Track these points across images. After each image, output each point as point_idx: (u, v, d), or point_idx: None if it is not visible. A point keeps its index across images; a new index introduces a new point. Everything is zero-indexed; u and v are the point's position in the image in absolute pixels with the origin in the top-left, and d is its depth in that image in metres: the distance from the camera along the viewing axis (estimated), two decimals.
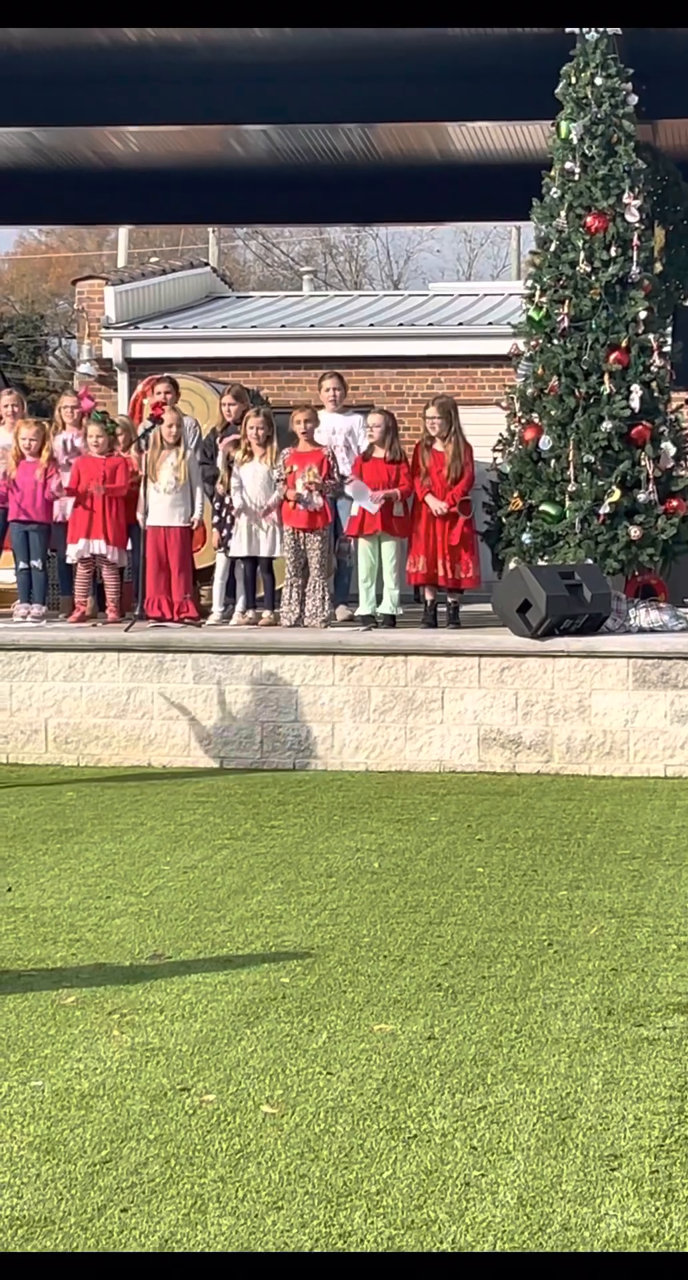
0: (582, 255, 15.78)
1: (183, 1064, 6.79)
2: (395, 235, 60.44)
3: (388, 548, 15.89)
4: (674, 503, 15.75)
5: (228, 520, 16.40)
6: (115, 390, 27.49)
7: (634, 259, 15.87)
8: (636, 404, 15.60)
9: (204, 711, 15.03)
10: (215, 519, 16.59)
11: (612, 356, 15.65)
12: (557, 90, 16.06)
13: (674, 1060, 6.80)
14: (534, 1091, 6.46)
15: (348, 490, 15.94)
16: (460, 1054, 6.89)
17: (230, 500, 16.28)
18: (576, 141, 15.93)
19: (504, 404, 16.36)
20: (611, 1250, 5.08)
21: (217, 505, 16.48)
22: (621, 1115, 6.20)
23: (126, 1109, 6.29)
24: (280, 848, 11.23)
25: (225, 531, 16.42)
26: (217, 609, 16.48)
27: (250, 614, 16.32)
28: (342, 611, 16.37)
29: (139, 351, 27.74)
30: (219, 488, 16.36)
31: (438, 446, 15.83)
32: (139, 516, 16.16)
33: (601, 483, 15.51)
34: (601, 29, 15.88)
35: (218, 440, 16.90)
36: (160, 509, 16.17)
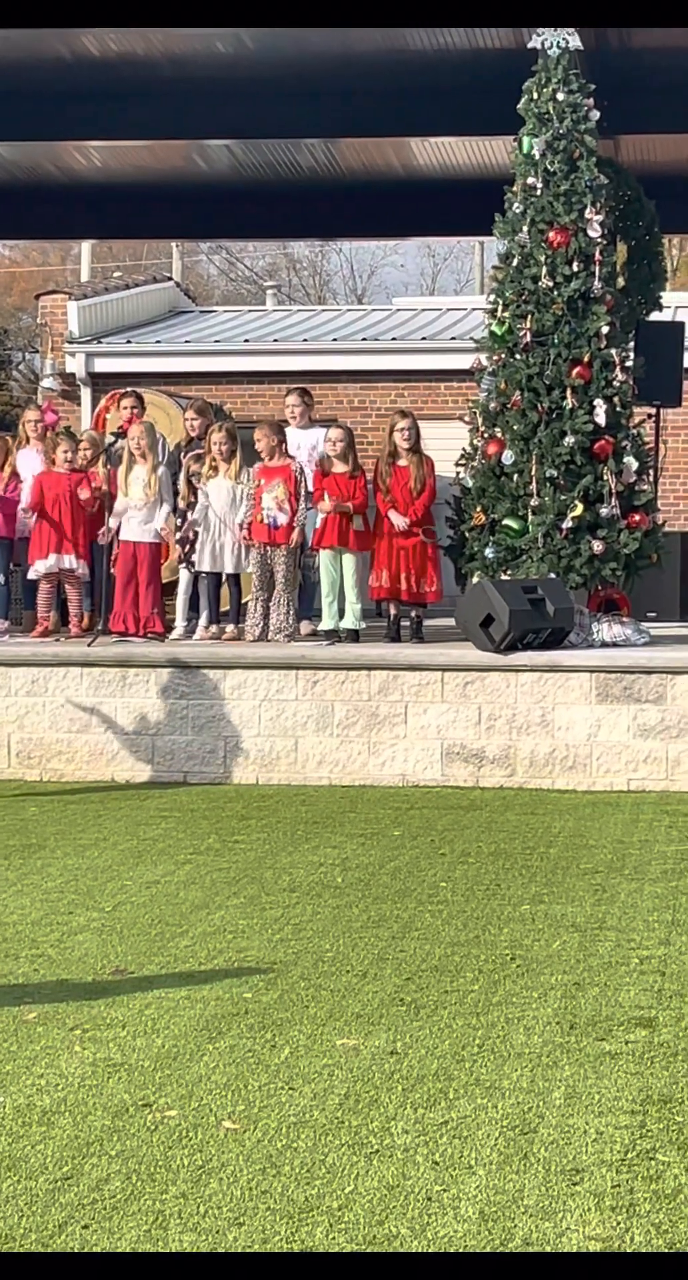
0: (544, 270, 15.80)
1: (145, 1079, 6.78)
2: (359, 250, 60.52)
3: (349, 562, 15.89)
4: (637, 517, 15.78)
5: (190, 535, 16.39)
6: (79, 405, 27.49)
7: (597, 274, 15.89)
8: (599, 419, 15.62)
9: (167, 726, 15.00)
10: (178, 535, 16.57)
11: (574, 371, 15.68)
12: (519, 105, 16.07)
13: (636, 1074, 6.80)
14: (496, 1106, 6.45)
15: (319, 509, 15.95)
16: (423, 1069, 6.89)
17: (194, 516, 16.27)
18: (538, 157, 15.95)
19: (467, 419, 16.38)
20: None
21: (180, 520, 16.46)
22: (582, 1130, 6.20)
23: (88, 1125, 6.28)
24: (243, 862, 11.22)
25: (188, 547, 16.41)
26: (180, 624, 16.47)
27: (214, 629, 16.32)
28: (305, 626, 16.38)
29: (102, 366, 27.75)
30: (180, 502, 16.35)
31: (401, 461, 15.84)
32: (104, 528, 16.14)
33: (563, 497, 15.53)
34: (563, 45, 15.90)
35: (182, 455, 16.90)
36: (131, 523, 16.17)
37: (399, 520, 15.69)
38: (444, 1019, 7.59)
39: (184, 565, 16.54)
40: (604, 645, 15.30)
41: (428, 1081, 6.74)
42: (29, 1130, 6.23)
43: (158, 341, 28.45)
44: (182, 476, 16.50)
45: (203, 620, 16.38)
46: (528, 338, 15.78)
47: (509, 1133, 6.18)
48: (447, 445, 17.37)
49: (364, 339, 28.07)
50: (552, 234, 15.83)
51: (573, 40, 15.93)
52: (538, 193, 15.94)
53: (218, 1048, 7.17)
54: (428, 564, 15.85)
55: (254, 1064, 6.97)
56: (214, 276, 60.35)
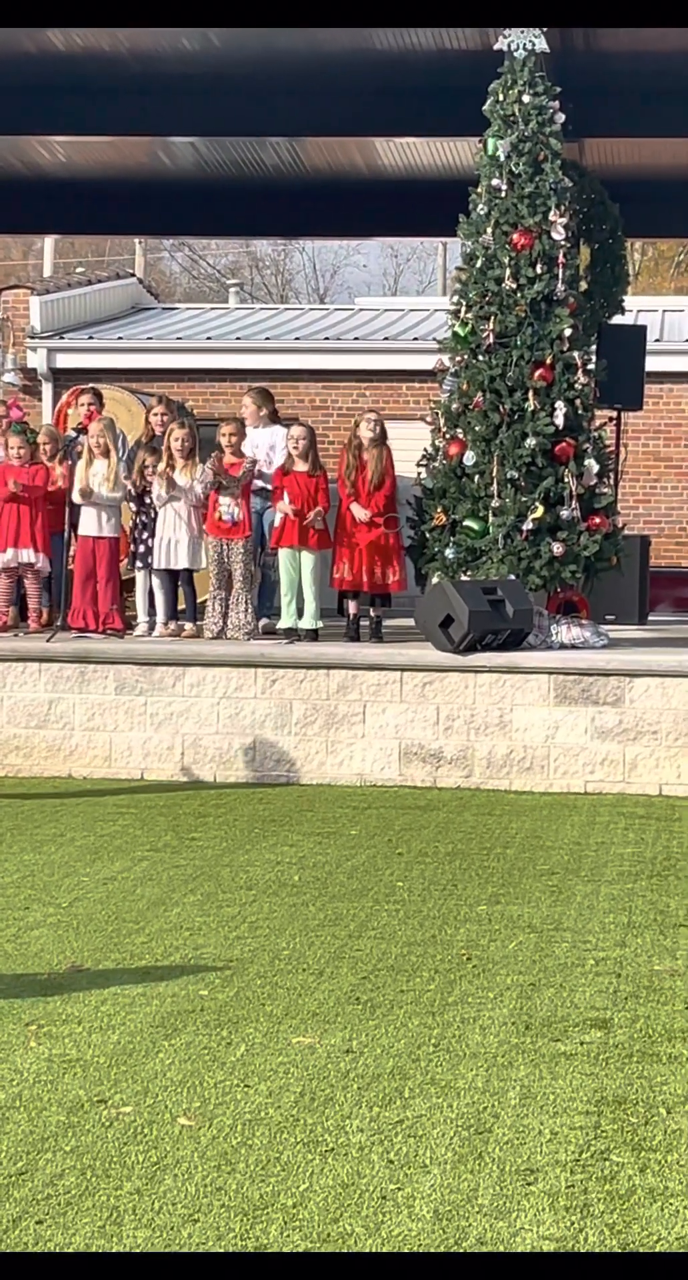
0: (508, 272, 15.82)
1: (100, 1076, 6.77)
2: (322, 249, 60.54)
3: (307, 561, 15.89)
4: (597, 520, 15.81)
5: (144, 536, 16.37)
6: (40, 400, 27.44)
7: (560, 276, 15.91)
8: (560, 421, 15.64)
9: (125, 723, 14.98)
10: (133, 533, 16.55)
11: (536, 373, 15.69)
12: (484, 107, 16.08)
13: (591, 1075, 6.82)
14: (451, 1105, 6.46)
15: (278, 509, 15.96)
16: (378, 1067, 6.90)
17: (153, 514, 16.26)
18: (502, 159, 15.96)
19: (429, 419, 16.39)
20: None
21: (139, 519, 16.43)
22: (537, 1130, 6.21)
23: (43, 1120, 6.27)
24: (201, 860, 11.21)
25: (142, 547, 16.39)
26: (142, 620, 16.45)
27: (173, 625, 16.31)
28: (265, 624, 16.38)
29: (64, 361, 27.72)
30: (130, 490, 16.30)
31: (365, 455, 15.88)
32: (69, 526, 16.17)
33: (524, 499, 15.55)
34: (529, 48, 15.91)
35: (138, 449, 16.92)
36: (90, 519, 16.14)
37: (361, 513, 15.71)
38: (400, 1018, 7.60)
39: (140, 569, 16.50)
40: (563, 647, 15.33)
41: (383, 1080, 6.74)
42: None
43: (120, 338, 28.43)
44: (135, 468, 16.49)
45: (161, 617, 16.36)
46: (491, 339, 15.79)
47: (464, 1132, 6.18)
48: (408, 445, 17.38)
49: (327, 338, 28.09)
50: (516, 236, 15.84)
51: (539, 43, 15.95)
52: (502, 195, 15.96)
53: (173, 1045, 7.16)
54: (391, 554, 15.90)
55: (210, 1061, 6.96)
56: (177, 274, 60.36)
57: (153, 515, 16.33)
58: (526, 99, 15.97)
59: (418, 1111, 6.40)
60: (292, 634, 15.79)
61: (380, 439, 15.95)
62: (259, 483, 16.37)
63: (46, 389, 27.58)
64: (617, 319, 19.57)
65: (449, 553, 15.75)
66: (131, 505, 16.46)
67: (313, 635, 15.81)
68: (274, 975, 8.32)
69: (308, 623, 15.85)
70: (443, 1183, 5.70)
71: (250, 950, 8.82)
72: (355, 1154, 5.97)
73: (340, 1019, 7.58)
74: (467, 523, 15.70)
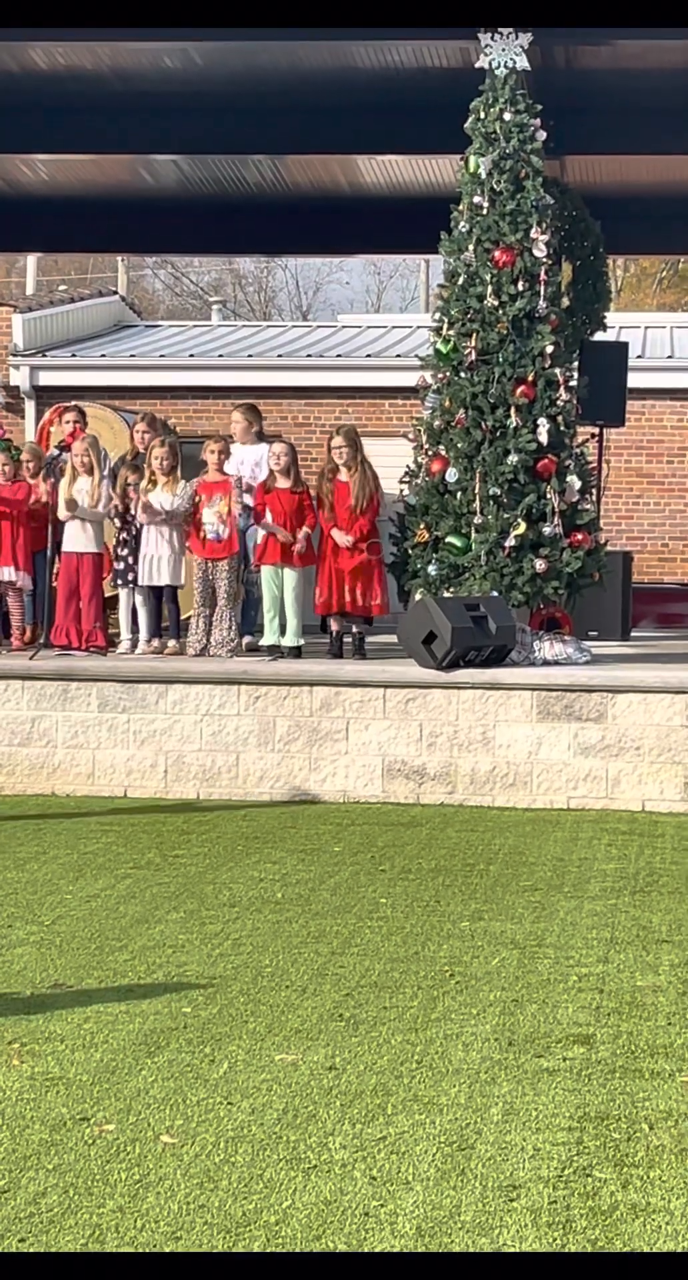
0: (489, 289, 15.83)
1: (83, 1093, 6.77)
2: (304, 267, 60.59)
3: (290, 578, 15.90)
4: (579, 536, 15.82)
5: (125, 554, 16.37)
6: (23, 418, 27.43)
7: (541, 293, 15.93)
8: (542, 438, 15.65)
9: (108, 740, 14.98)
10: (115, 550, 16.54)
11: (518, 390, 15.71)
12: (466, 125, 16.11)
13: (574, 1091, 6.82)
14: (434, 1122, 6.46)
15: (261, 526, 15.98)
16: (361, 1084, 6.90)
17: (135, 531, 16.27)
18: (484, 176, 15.99)
19: (411, 436, 16.40)
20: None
21: (120, 536, 16.43)
22: (520, 1146, 6.22)
23: (25, 1139, 6.26)
24: (183, 877, 11.21)
25: (123, 565, 16.39)
26: (125, 637, 16.45)
27: (156, 643, 16.31)
28: (248, 641, 16.38)
29: (47, 379, 27.72)
30: (111, 508, 16.31)
31: (342, 476, 15.87)
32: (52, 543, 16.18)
33: (506, 515, 15.56)
34: (510, 65, 15.94)
35: (121, 466, 16.93)
36: (73, 536, 16.15)
37: (342, 539, 15.71)
38: (383, 1035, 7.60)
39: (122, 586, 16.50)
40: (546, 664, 15.34)
41: (366, 1097, 6.74)
42: None
43: (103, 355, 28.44)
44: (118, 485, 16.49)
45: (144, 634, 16.36)
46: (473, 356, 15.81)
47: (447, 1148, 6.19)
48: (391, 462, 17.40)
49: (309, 355, 28.12)
50: (497, 253, 15.87)
51: (520, 61, 15.98)
52: (484, 212, 15.98)
53: (156, 1062, 7.16)
54: (373, 578, 15.88)
55: (193, 1078, 6.96)
56: (159, 291, 60.35)
57: (134, 533, 16.34)
58: (507, 116, 16.00)
59: (401, 1128, 6.40)
60: (275, 651, 15.79)
61: (356, 459, 15.91)
62: (247, 499, 16.37)
63: (29, 407, 27.58)
64: (599, 335, 19.62)
65: (432, 569, 15.76)
66: (115, 522, 16.46)
67: (296, 652, 15.81)
68: (257, 992, 8.32)
69: (291, 640, 15.85)
70: (426, 1199, 5.71)
71: (233, 967, 8.82)
72: (338, 1171, 5.97)
73: (323, 1036, 7.58)
74: (449, 539, 15.71)
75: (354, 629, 15.91)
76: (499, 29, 15.84)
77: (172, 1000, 8.15)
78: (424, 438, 16.13)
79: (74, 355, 28.39)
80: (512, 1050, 7.38)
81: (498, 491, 15.60)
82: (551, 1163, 6.05)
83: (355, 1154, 6.13)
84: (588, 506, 16.17)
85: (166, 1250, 5.27)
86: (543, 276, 15.96)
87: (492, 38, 15.94)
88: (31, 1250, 5.26)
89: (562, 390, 15.91)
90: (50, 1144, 6.20)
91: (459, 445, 15.73)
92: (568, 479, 15.80)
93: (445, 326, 16.08)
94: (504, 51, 16.00)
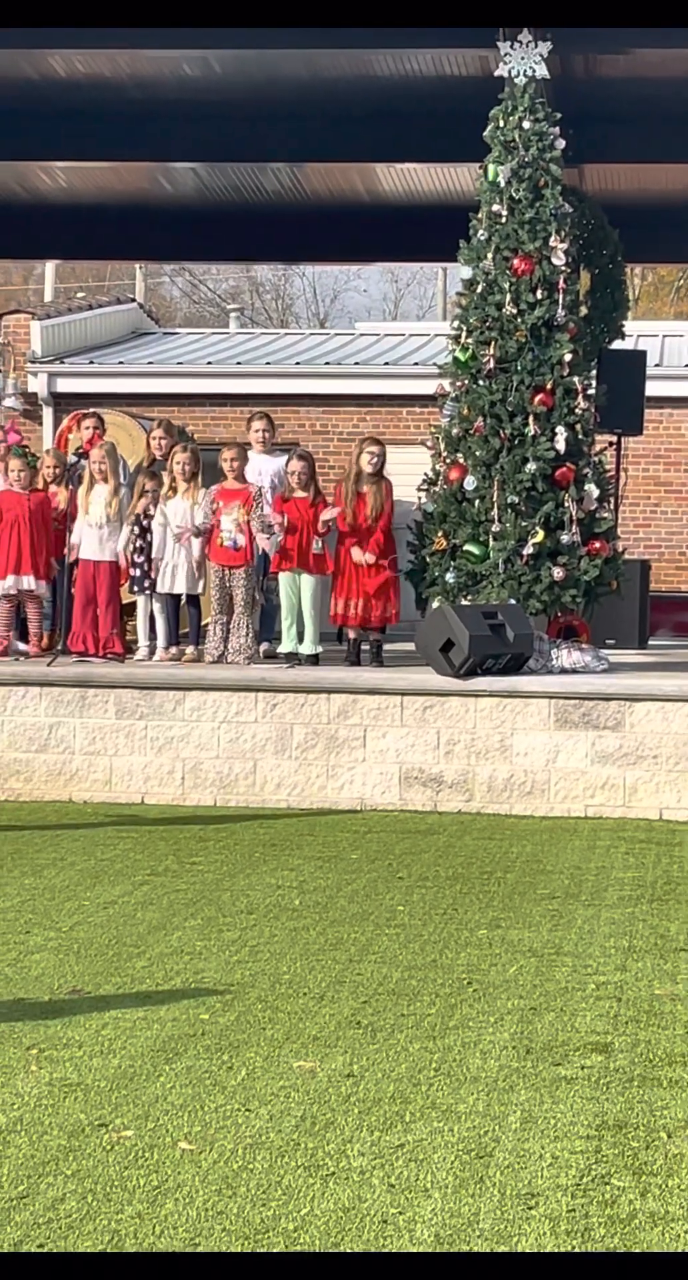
0: (508, 297, 15.84)
1: (101, 1100, 6.77)
2: (322, 274, 60.60)
3: (307, 585, 15.90)
4: (597, 544, 15.81)
5: (140, 561, 16.36)
6: (40, 425, 27.49)
7: (560, 302, 15.94)
8: (560, 446, 15.65)
9: (126, 747, 14.99)
10: (131, 557, 16.54)
11: (537, 398, 15.71)
12: (485, 133, 16.11)
13: (592, 1099, 6.82)
14: (452, 1129, 6.46)
15: (272, 535, 15.97)
16: (379, 1091, 6.89)
17: (151, 538, 16.28)
18: (503, 184, 15.99)
19: (429, 444, 16.40)
20: None
21: (137, 543, 16.43)
22: (538, 1154, 6.21)
23: (44, 1145, 6.26)
24: (201, 884, 11.21)
25: (139, 572, 16.39)
26: (143, 644, 16.46)
27: (174, 650, 16.32)
28: (265, 648, 16.39)
29: (65, 386, 27.77)
30: (129, 515, 16.32)
31: (364, 488, 15.85)
32: (71, 550, 16.19)
33: (524, 523, 15.56)
34: (529, 74, 15.95)
35: (139, 474, 16.94)
36: (91, 543, 16.18)
37: (362, 558, 15.69)
38: (401, 1042, 7.59)
39: (140, 593, 16.50)
40: (563, 672, 15.33)
41: (384, 1104, 6.74)
42: None
43: (120, 362, 28.49)
44: (135, 492, 16.51)
45: (162, 641, 16.38)
46: (491, 364, 15.82)
47: (465, 1156, 6.18)
48: (409, 470, 17.41)
49: (327, 363, 28.15)
50: (516, 261, 15.87)
51: (539, 69, 15.99)
52: (503, 220, 15.98)
53: (174, 1068, 7.16)
54: (388, 589, 15.86)
55: (211, 1085, 6.96)
56: (177, 298, 60.40)
57: (151, 540, 16.35)
58: (526, 125, 16.01)
59: (419, 1136, 6.39)
60: (292, 658, 15.79)
61: (380, 472, 15.93)
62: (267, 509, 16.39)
63: (47, 413, 27.63)
64: (617, 344, 19.59)
65: (450, 577, 15.76)
66: (132, 529, 16.48)
67: (314, 660, 15.81)
68: (275, 999, 8.32)
69: (308, 647, 15.85)
70: (444, 1207, 5.70)
71: (251, 974, 8.82)
72: (356, 1178, 5.96)
73: (341, 1043, 7.58)
74: (467, 547, 15.71)
75: (372, 636, 15.91)
76: (518, 38, 15.84)
77: (189, 1007, 8.15)
78: (442, 446, 16.13)
79: (92, 362, 28.44)
80: (530, 1058, 7.38)
81: (516, 499, 15.60)
82: (569, 1171, 6.05)
83: (374, 1161, 6.12)
84: (606, 515, 16.16)
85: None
86: (562, 285, 15.96)
87: (511, 46, 15.95)
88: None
89: (580, 398, 15.91)
90: (68, 1150, 6.21)
91: (477, 453, 15.73)
92: (586, 487, 15.80)
93: (464, 334, 16.08)
94: (523, 60, 16.00)
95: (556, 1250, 5.34)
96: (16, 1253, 5.27)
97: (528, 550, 15.53)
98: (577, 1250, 5.33)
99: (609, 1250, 5.34)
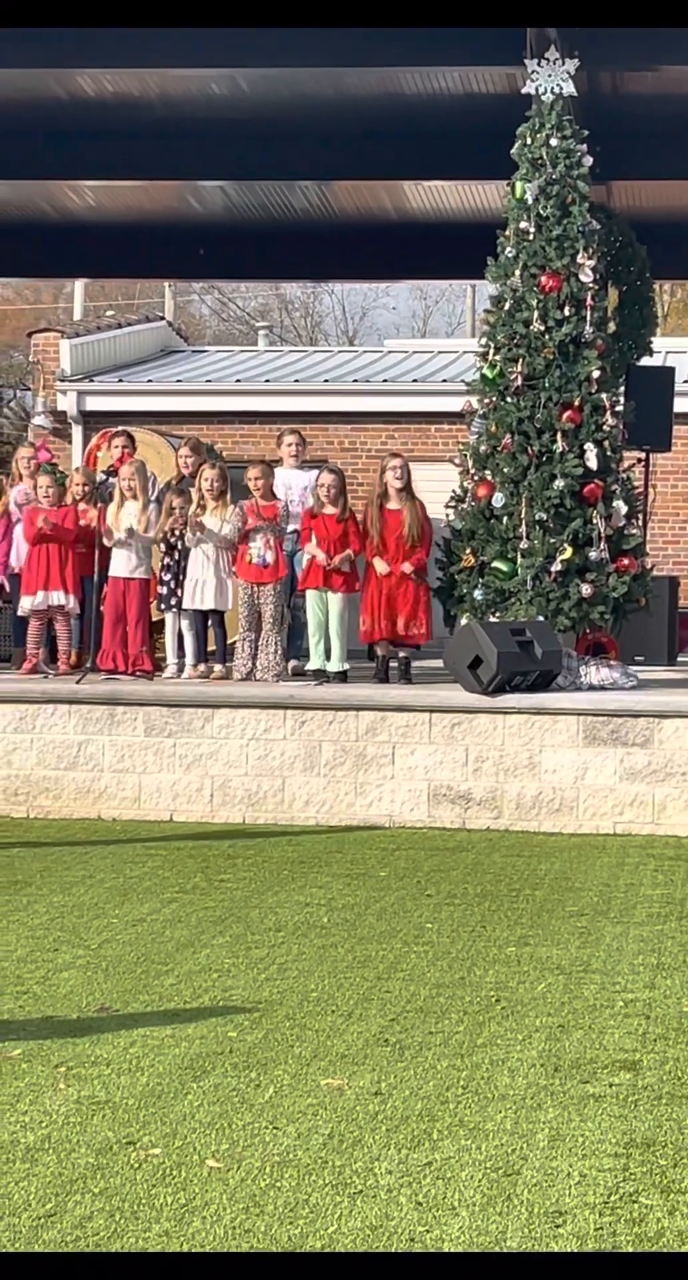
0: (536, 314, 15.84)
1: (129, 1117, 6.78)
2: (351, 291, 60.61)
3: (334, 603, 15.88)
4: (626, 561, 15.80)
5: (173, 581, 16.38)
6: (70, 443, 27.55)
7: (588, 319, 15.94)
8: (589, 463, 15.64)
9: (155, 764, 15.00)
10: (159, 574, 16.55)
11: (565, 415, 15.71)
12: (512, 151, 16.13)
13: (620, 1117, 6.81)
14: (480, 1147, 6.46)
15: (306, 551, 15.97)
16: (407, 1109, 6.89)
17: (178, 556, 16.30)
18: (530, 201, 16.00)
19: (457, 461, 16.41)
20: None
21: (165, 561, 16.46)
22: (566, 1172, 6.20)
23: (71, 1162, 6.27)
24: (229, 901, 11.22)
25: (166, 589, 16.40)
26: (171, 662, 16.48)
27: (202, 667, 16.33)
28: (294, 666, 16.40)
29: (94, 404, 27.83)
30: (157, 533, 16.34)
31: (392, 504, 15.84)
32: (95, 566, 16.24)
33: (553, 540, 15.56)
34: (556, 91, 15.96)
35: (167, 492, 16.97)
36: (120, 561, 16.20)
37: (382, 567, 15.67)
38: (429, 1060, 7.59)
39: (167, 610, 16.51)
40: (592, 688, 15.31)
41: (412, 1122, 6.74)
42: (13, 1167, 6.22)
43: (149, 380, 28.54)
44: (163, 509, 16.53)
45: (190, 659, 16.39)
46: (519, 381, 15.82)
47: (492, 1174, 6.18)
48: (437, 487, 17.41)
49: (355, 380, 28.17)
50: (544, 278, 15.88)
51: (567, 86, 16.01)
52: (530, 237, 15.99)
53: (202, 1086, 7.17)
54: (418, 606, 15.83)
55: (238, 1103, 6.97)
56: (206, 316, 60.48)
57: (178, 557, 16.37)
58: (553, 142, 16.02)
59: (446, 1154, 6.39)
60: (320, 675, 15.79)
61: (407, 487, 15.91)
62: (292, 525, 16.42)
63: (76, 432, 27.69)
64: (645, 361, 19.60)
65: (478, 594, 15.76)
66: (160, 547, 16.50)
67: (342, 677, 15.81)
68: (303, 1017, 8.32)
69: (336, 664, 15.85)
70: (471, 1225, 5.70)
71: (279, 992, 8.82)
72: (384, 1196, 5.96)
73: (369, 1061, 7.58)
74: (495, 564, 15.71)
75: (400, 653, 15.90)
76: (545, 55, 15.87)
77: (217, 1025, 8.15)
78: (470, 463, 16.14)
79: (121, 380, 28.50)
80: (558, 1076, 7.37)
81: (544, 516, 15.59)
82: (597, 1189, 6.04)
83: (401, 1179, 6.12)
84: (634, 531, 16.15)
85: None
86: (589, 301, 15.96)
87: (538, 63, 15.97)
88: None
89: (608, 415, 15.91)
90: (96, 1168, 6.21)
91: (505, 470, 15.74)
92: (614, 504, 15.79)
93: (492, 351, 16.09)
94: (551, 77, 16.02)
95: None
96: (18, 1253, 5.27)
97: (556, 567, 15.53)
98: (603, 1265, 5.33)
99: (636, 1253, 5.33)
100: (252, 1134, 6.59)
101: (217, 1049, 7.73)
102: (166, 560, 16.45)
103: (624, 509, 15.90)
